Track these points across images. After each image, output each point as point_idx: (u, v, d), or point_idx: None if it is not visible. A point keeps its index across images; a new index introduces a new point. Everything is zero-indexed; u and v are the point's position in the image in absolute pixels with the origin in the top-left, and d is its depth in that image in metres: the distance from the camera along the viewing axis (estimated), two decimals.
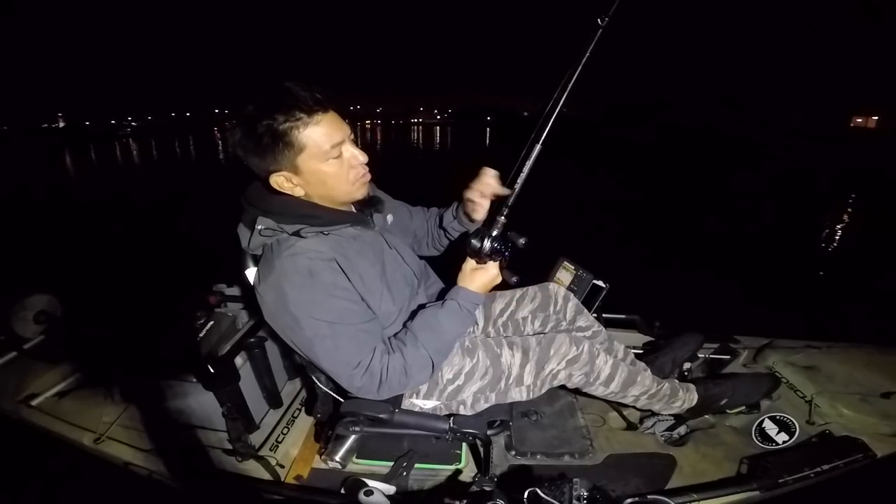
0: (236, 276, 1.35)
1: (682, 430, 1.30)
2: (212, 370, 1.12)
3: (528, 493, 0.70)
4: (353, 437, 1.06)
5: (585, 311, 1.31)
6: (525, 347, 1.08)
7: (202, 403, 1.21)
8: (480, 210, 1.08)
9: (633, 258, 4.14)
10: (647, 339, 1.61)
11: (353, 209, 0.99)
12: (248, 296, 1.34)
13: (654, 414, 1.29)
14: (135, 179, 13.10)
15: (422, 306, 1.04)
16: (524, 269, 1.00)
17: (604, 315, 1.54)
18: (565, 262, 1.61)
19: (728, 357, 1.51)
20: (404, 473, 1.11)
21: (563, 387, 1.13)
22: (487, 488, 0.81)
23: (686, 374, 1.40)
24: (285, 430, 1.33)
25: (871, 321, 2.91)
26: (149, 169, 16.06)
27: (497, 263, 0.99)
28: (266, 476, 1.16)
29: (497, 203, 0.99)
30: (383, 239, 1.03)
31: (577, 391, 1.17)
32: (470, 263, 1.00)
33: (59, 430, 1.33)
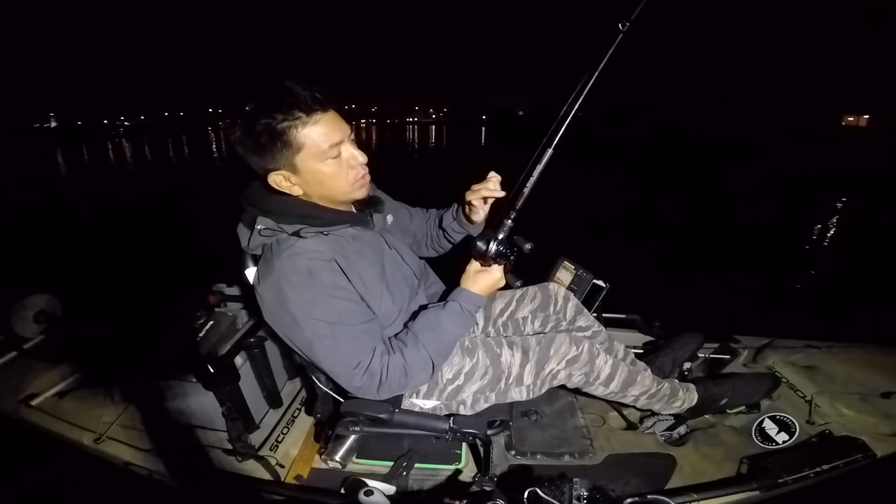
0: (236, 276, 1.35)
1: (682, 429, 1.30)
2: (212, 370, 1.12)
3: (528, 492, 0.70)
4: (353, 437, 1.06)
5: (585, 310, 1.31)
6: (525, 347, 1.08)
7: (202, 403, 1.21)
8: (480, 213, 1.08)
9: (633, 258, 4.15)
10: (647, 338, 1.61)
11: (353, 209, 0.99)
12: (248, 296, 1.34)
13: (654, 414, 1.29)
14: (130, 179, 13.05)
15: (422, 307, 1.04)
16: (524, 269, 1.00)
17: (604, 315, 1.54)
18: (565, 262, 1.61)
19: (728, 357, 1.51)
20: (404, 473, 1.11)
21: (563, 387, 1.13)
22: (487, 488, 0.81)
23: (686, 373, 1.40)
24: (285, 430, 1.33)
25: (871, 321, 2.91)
26: (143, 169, 15.98)
27: (501, 267, 0.98)
28: (266, 476, 1.16)
29: (505, 206, 0.99)
30: (383, 239, 1.03)
31: (577, 391, 1.17)
32: (474, 265, 1.00)
33: (59, 430, 1.33)
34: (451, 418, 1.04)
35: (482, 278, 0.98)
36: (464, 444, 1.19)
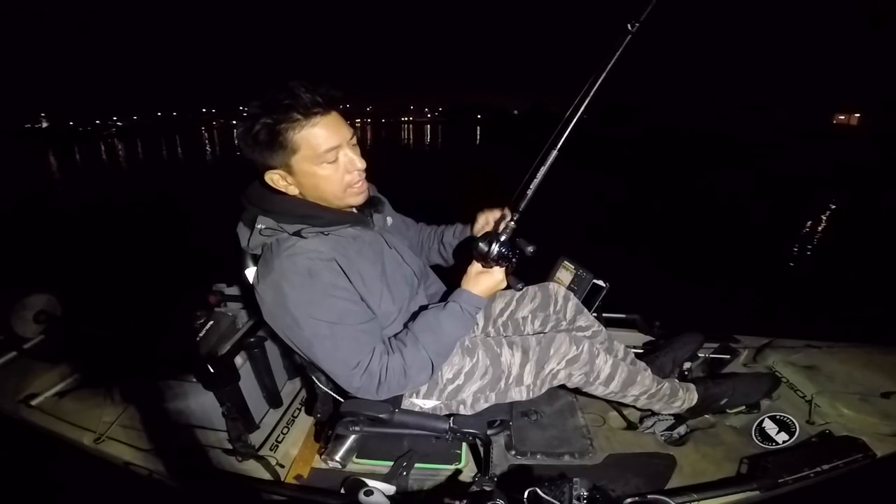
0: (236, 276, 1.35)
1: (682, 429, 1.30)
2: (212, 370, 1.12)
3: (528, 492, 0.70)
4: (353, 437, 1.06)
5: (585, 310, 1.31)
6: (525, 347, 1.08)
7: (202, 403, 1.21)
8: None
9: (633, 258, 4.15)
10: (647, 338, 1.61)
11: (354, 210, 0.99)
12: (248, 295, 1.34)
13: (654, 413, 1.29)
14: (125, 180, 12.98)
15: (423, 307, 1.04)
16: (524, 268, 1.00)
17: (604, 315, 1.54)
18: (565, 262, 1.61)
19: (728, 357, 1.51)
20: (404, 473, 1.11)
21: (563, 386, 1.13)
22: (487, 488, 0.81)
23: (686, 373, 1.40)
24: (285, 430, 1.32)
25: (871, 321, 2.91)
26: (138, 169, 15.89)
27: (503, 269, 0.98)
28: (266, 476, 1.16)
29: (508, 208, 0.98)
30: (383, 239, 1.03)
31: (577, 391, 1.17)
32: (476, 266, 1.00)
33: (59, 430, 1.33)
34: (451, 418, 1.04)
35: (483, 280, 0.98)
36: (464, 444, 1.19)
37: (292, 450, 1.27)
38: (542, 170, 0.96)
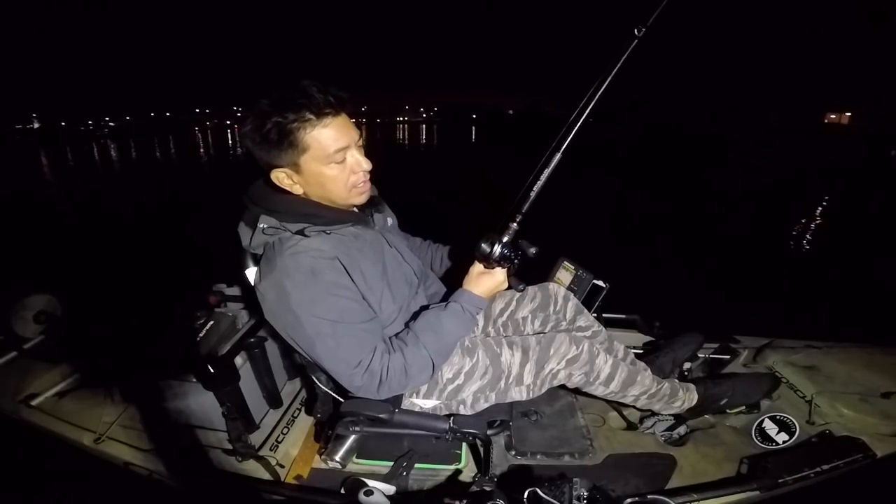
0: (236, 276, 1.35)
1: (682, 430, 1.30)
2: (212, 370, 1.12)
3: (528, 493, 0.70)
4: (353, 437, 1.06)
5: (585, 310, 1.31)
6: (525, 347, 1.08)
7: (202, 403, 1.21)
8: None
9: (633, 258, 4.14)
10: (647, 339, 1.61)
11: (355, 209, 0.99)
12: (248, 296, 1.34)
13: (654, 414, 1.29)
14: (119, 180, 12.92)
15: (423, 307, 1.04)
16: (524, 268, 1.00)
17: (604, 315, 1.54)
18: (565, 262, 1.61)
19: (728, 357, 1.51)
20: (404, 473, 1.11)
21: (563, 386, 1.13)
22: (487, 488, 0.81)
23: (686, 373, 1.40)
24: (285, 430, 1.33)
25: (871, 321, 2.91)
26: (131, 170, 15.81)
27: (505, 270, 0.98)
28: (266, 476, 1.16)
29: (510, 209, 0.99)
30: (384, 238, 1.03)
31: (577, 391, 1.17)
32: (477, 267, 1.00)
33: (59, 430, 1.33)
34: (451, 418, 1.04)
35: (485, 280, 0.99)
36: (464, 444, 1.19)
37: (292, 450, 1.27)
38: (546, 172, 0.96)
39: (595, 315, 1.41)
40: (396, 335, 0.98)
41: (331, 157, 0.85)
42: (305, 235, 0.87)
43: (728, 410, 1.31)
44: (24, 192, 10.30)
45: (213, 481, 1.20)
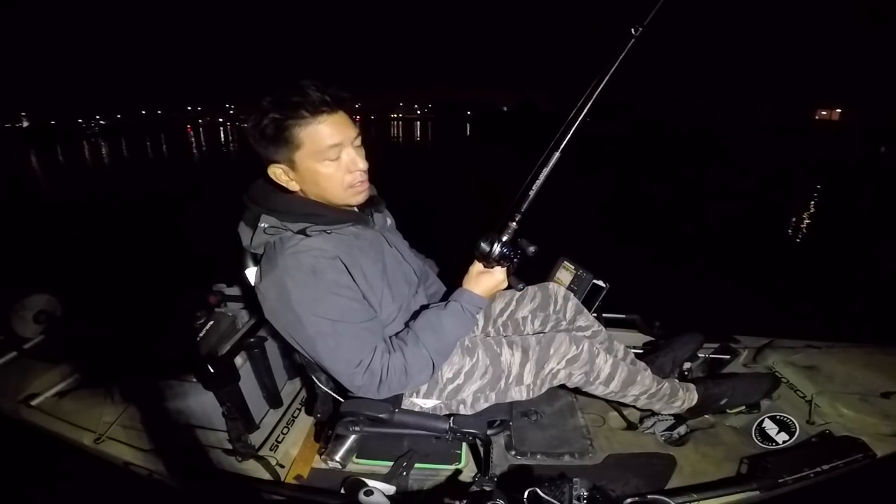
0: (236, 276, 1.35)
1: (682, 429, 1.30)
2: (212, 370, 1.12)
3: (528, 492, 0.70)
4: (353, 437, 1.06)
5: (585, 310, 1.31)
6: (525, 347, 1.08)
7: (202, 403, 1.21)
8: None
9: (633, 258, 4.14)
10: (647, 338, 1.61)
11: (356, 209, 0.99)
12: (248, 296, 1.34)
13: (654, 414, 1.29)
14: (112, 179, 12.79)
15: (423, 306, 1.05)
16: (524, 268, 1.00)
17: (604, 315, 1.54)
18: (565, 262, 1.61)
19: (728, 357, 1.51)
20: (404, 473, 1.11)
21: (562, 386, 1.13)
22: (487, 488, 0.81)
23: (686, 373, 1.40)
24: (285, 430, 1.33)
25: (871, 321, 2.91)
26: (124, 168, 15.60)
27: (504, 269, 0.98)
28: (266, 476, 1.16)
29: (509, 208, 0.99)
30: (384, 238, 1.04)
31: (577, 391, 1.17)
32: (477, 266, 1.00)
33: (59, 430, 1.33)
34: (451, 418, 1.04)
35: (484, 279, 0.99)
36: (464, 444, 1.19)
37: (292, 450, 1.27)
38: (545, 171, 0.96)
39: (595, 315, 1.42)
40: (396, 334, 0.98)
41: (324, 154, 0.85)
42: (307, 235, 0.87)
43: (728, 410, 1.31)
44: (17, 191, 10.25)
45: (213, 481, 1.20)
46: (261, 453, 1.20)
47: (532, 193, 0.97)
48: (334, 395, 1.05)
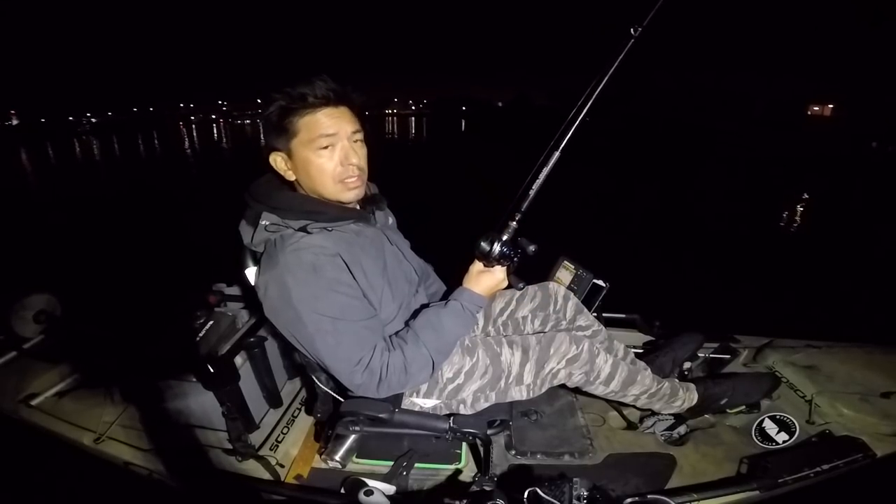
0: (236, 276, 1.35)
1: (682, 429, 1.30)
2: (211, 370, 1.12)
3: (528, 492, 0.70)
4: (353, 437, 1.06)
5: (585, 310, 1.31)
6: (525, 346, 1.08)
7: (202, 403, 1.21)
8: None
9: (633, 258, 4.14)
10: (647, 338, 1.61)
11: (357, 206, 1.00)
12: (248, 295, 1.34)
13: (654, 413, 1.29)
14: (105, 177, 12.69)
15: (424, 305, 1.05)
16: (524, 268, 1.00)
17: (604, 314, 1.54)
18: (565, 262, 1.61)
19: (728, 357, 1.51)
20: (404, 473, 1.11)
21: (563, 386, 1.13)
22: (487, 488, 0.81)
23: (686, 373, 1.40)
24: (285, 430, 1.33)
25: (871, 321, 2.91)
26: (116, 166, 15.48)
27: (505, 268, 0.98)
28: (266, 476, 1.16)
29: (510, 208, 0.99)
30: (385, 236, 1.04)
31: (577, 390, 1.17)
32: (477, 266, 1.01)
33: (59, 430, 1.33)
34: (451, 418, 1.04)
35: (485, 279, 0.99)
36: (464, 444, 1.19)
37: (292, 450, 1.27)
38: (545, 170, 0.97)
39: (595, 314, 1.41)
40: (396, 333, 0.98)
41: (316, 142, 0.87)
42: (308, 232, 0.88)
43: (728, 410, 1.31)
44: (9, 190, 10.20)
45: (213, 481, 1.20)
46: (261, 453, 1.20)
47: (532, 193, 0.97)
48: (334, 394, 1.05)
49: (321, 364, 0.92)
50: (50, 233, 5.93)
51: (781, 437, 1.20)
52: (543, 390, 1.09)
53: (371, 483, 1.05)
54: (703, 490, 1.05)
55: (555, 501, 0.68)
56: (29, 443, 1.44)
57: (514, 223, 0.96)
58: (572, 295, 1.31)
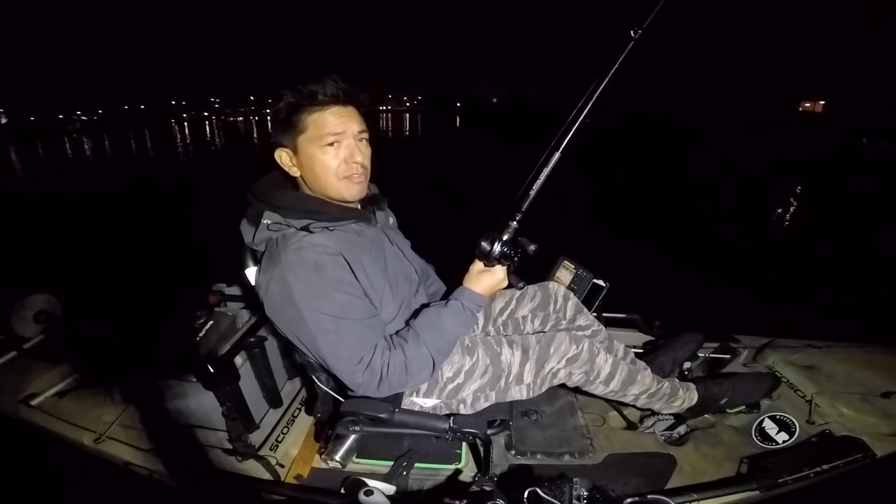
0: (236, 276, 1.35)
1: (682, 429, 1.30)
2: (211, 370, 1.12)
3: (528, 492, 0.70)
4: (353, 437, 1.06)
5: (585, 310, 1.31)
6: (525, 346, 1.08)
7: (202, 403, 1.21)
8: None
9: (633, 258, 4.14)
10: (647, 338, 1.61)
11: (358, 206, 1.00)
12: (248, 295, 1.34)
13: (654, 413, 1.29)
14: (96, 176, 12.63)
15: (424, 305, 1.05)
16: (524, 267, 1.00)
17: (604, 314, 1.54)
18: (565, 261, 1.61)
19: (728, 356, 1.51)
20: (404, 473, 1.11)
21: (563, 386, 1.13)
22: (487, 488, 0.81)
23: (686, 373, 1.40)
24: (285, 430, 1.33)
25: (871, 321, 2.91)
26: (108, 165, 15.34)
27: (505, 268, 0.99)
28: (266, 476, 1.16)
29: (510, 207, 1.00)
30: (385, 236, 1.04)
31: (577, 390, 1.17)
32: (477, 265, 1.01)
33: (59, 430, 1.33)
34: (451, 418, 1.04)
35: (485, 278, 0.99)
36: (464, 444, 1.19)
37: (292, 450, 1.27)
38: (546, 171, 0.97)
39: (595, 314, 1.42)
40: (397, 333, 0.98)
41: (323, 139, 0.88)
42: (309, 231, 0.88)
43: (728, 410, 1.31)
44: (2, 189, 10.18)
45: (213, 481, 1.20)
46: (261, 453, 1.20)
47: (532, 193, 0.98)
48: (334, 394, 1.05)
49: (322, 363, 0.92)
50: (49, 233, 5.92)
51: (781, 437, 1.20)
52: (543, 390, 1.09)
53: (371, 483, 1.05)
54: (703, 490, 1.05)
55: (555, 501, 0.68)
56: (29, 443, 1.44)
57: (515, 223, 0.96)
58: (572, 295, 1.31)
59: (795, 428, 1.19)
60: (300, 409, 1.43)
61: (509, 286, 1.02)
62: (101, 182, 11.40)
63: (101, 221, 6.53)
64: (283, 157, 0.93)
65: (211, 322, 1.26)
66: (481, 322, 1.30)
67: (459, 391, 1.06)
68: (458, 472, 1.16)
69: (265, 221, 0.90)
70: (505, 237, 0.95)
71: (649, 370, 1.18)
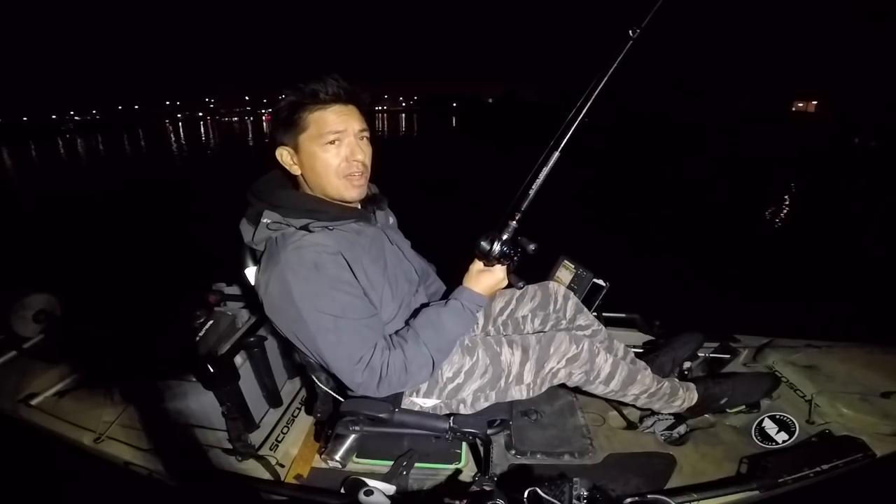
0: (236, 276, 1.35)
1: (681, 429, 1.30)
2: (211, 370, 1.12)
3: (528, 492, 0.70)
4: (353, 437, 1.06)
5: (585, 309, 1.31)
6: (525, 346, 1.08)
7: (202, 403, 1.21)
8: None
9: (634, 257, 4.14)
10: (647, 338, 1.61)
11: (358, 206, 1.00)
12: (248, 295, 1.34)
13: (653, 413, 1.29)
14: (90, 176, 12.56)
15: (424, 304, 1.05)
16: (524, 267, 1.00)
17: (604, 314, 1.54)
18: (565, 261, 1.61)
19: (728, 356, 1.51)
20: (404, 473, 1.11)
21: (562, 386, 1.13)
22: (487, 488, 0.81)
23: (686, 373, 1.40)
24: (285, 430, 1.33)
25: (871, 320, 2.91)
26: (103, 165, 15.29)
27: (504, 267, 0.99)
28: (266, 476, 1.16)
29: (510, 207, 1.00)
30: (385, 236, 1.04)
31: (577, 390, 1.17)
32: (477, 265, 1.01)
33: (59, 429, 1.33)
34: (451, 417, 1.04)
35: (485, 278, 0.99)
36: (464, 444, 1.19)
37: (292, 449, 1.27)
38: (545, 170, 0.97)
39: (595, 314, 1.41)
40: (397, 332, 0.98)
41: (324, 138, 0.88)
42: (309, 231, 0.88)
43: (728, 410, 1.31)
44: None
45: (213, 481, 1.20)
46: (261, 453, 1.20)
47: (532, 193, 0.98)
48: (334, 394, 1.05)
49: (322, 362, 0.92)
50: (48, 232, 5.92)
51: (781, 436, 1.20)
52: (543, 390, 1.09)
53: (371, 483, 1.05)
54: (703, 490, 1.05)
55: (555, 501, 0.68)
56: (29, 443, 1.44)
57: (514, 222, 0.96)
58: (572, 294, 1.31)
59: (795, 428, 1.19)
60: (300, 409, 1.43)
61: (509, 286, 1.02)
62: (97, 182, 11.35)
63: (99, 221, 6.53)
64: (284, 155, 0.93)
65: (211, 322, 1.26)
66: (481, 322, 1.30)
67: (459, 391, 1.06)
68: (458, 471, 1.16)
69: (265, 220, 0.90)
70: (505, 237, 0.95)
71: (649, 370, 1.18)
